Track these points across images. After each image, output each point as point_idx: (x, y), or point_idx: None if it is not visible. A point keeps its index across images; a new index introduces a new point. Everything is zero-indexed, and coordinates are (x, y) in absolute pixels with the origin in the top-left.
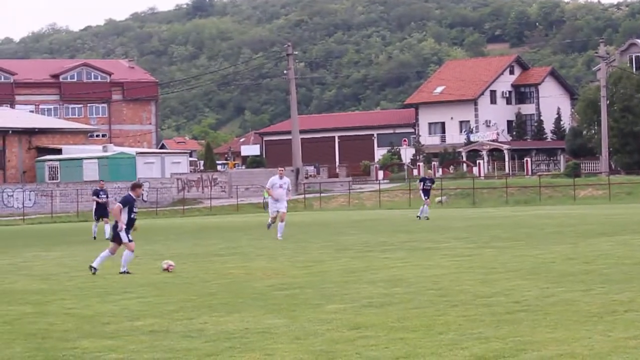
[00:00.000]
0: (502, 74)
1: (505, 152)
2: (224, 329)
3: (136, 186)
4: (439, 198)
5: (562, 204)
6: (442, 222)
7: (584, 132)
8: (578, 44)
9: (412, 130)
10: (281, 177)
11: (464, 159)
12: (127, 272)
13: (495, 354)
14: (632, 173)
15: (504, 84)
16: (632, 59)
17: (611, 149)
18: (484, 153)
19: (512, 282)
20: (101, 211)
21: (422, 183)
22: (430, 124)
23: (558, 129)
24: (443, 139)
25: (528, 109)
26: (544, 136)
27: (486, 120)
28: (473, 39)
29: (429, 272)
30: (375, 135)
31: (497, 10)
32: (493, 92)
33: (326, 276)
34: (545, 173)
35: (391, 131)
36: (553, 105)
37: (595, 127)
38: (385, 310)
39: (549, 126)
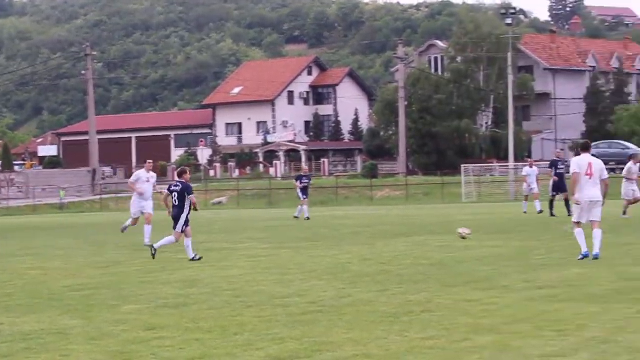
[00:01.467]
0: (300, 74)
1: (302, 152)
2: (20, 329)
3: (183, 172)
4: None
5: (359, 205)
6: (239, 223)
7: (382, 133)
8: (377, 44)
9: (210, 131)
10: (148, 171)
11: (261, 159)
12: (152, 248)
13: (290, 354)
14: (430, 174)
15: (302, 84)
16: (431, 60)
17: (409, 150)
18: (281, 154)
19: (308, 282)
20: None
21: (299, 181)
22: (227, 124)
23: (356, 130)
24: (240, 140)
25: (326, 109)
26: (342, 137)
27: (283, 121)
28: (272, 39)
29: (224, 273)
30: (172, 136)
31: (296, 11)
32: (291, 93)
33: (122, 277)
34: (342, 174)
35: (188, 132)
36: (351, 106)
37: (393, 128)
38: (181, 311)
39: (346, 127)
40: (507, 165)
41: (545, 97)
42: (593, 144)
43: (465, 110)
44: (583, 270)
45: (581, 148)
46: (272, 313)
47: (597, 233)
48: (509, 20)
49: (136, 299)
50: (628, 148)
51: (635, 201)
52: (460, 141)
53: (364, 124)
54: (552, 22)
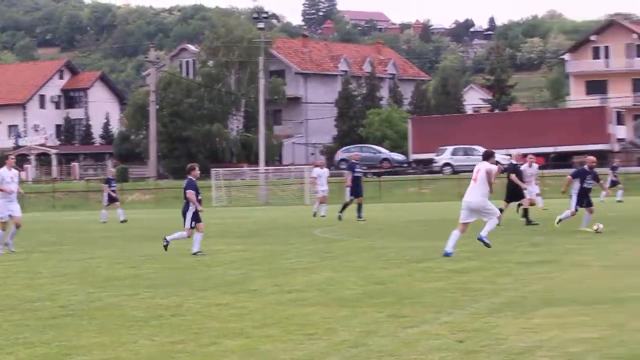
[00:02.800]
0: (51, 78)
1: (53, 156)
2: None
3: (192, 169)
4: None
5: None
6: None
7: (133, 137)
8: (129, 48)
9: None
10: (10, 169)
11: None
12: (201, 253)
13: (40, 359)
14: (180, 178)
15: (54, 88)
16: (182, 64)
17: (160, 154)
18: (32, 157)
19: (58, 286)
20: None
21: (108, 184)
22: None
23: (107, 134)
24: None
25: (77, 113)
26: (93, 141)
27: (35, 125)
28: (24, 43)
29: None
30: None
31: (49, 14)
32: (42, 97)
33: None
34: (93, 177)
35: None
36: (102, 109)
37: (144, 132)
38: None
39: (97, 131)
40: (257, 169)
41: (296, 101)
42: (343, 148)
43: (216, 114)
44: (333, 274)
45: (482, 157)
46: (21, 317)
47: (489, 222)
48: (261, 25)
49: None
50: (379, 152)
51: (531, 204)
52: (211, 145)
53: (115, 127)
54: (305, 27)
